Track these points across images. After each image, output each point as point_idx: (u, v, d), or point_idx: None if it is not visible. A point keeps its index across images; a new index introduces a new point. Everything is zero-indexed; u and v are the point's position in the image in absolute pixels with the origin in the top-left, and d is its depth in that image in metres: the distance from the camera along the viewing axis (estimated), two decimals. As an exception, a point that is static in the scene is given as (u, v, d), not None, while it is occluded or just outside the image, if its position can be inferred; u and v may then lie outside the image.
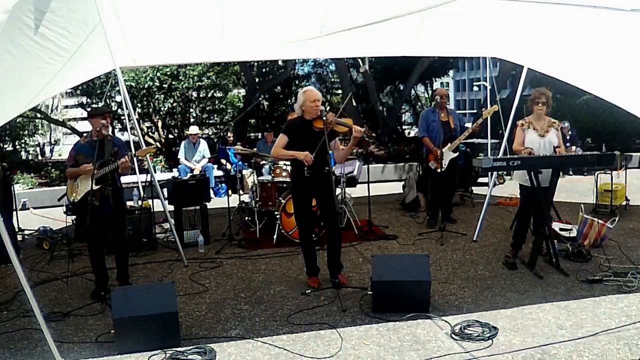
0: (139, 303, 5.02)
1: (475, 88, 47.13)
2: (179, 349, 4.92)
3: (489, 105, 12.08)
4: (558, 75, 7.26)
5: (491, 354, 4.68)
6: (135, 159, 7.30)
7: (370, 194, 9.07)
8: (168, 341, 4.98)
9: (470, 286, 6.38)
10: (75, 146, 6.41)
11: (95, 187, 6.11)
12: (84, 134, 6.56)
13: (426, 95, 24.89)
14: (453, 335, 5.05)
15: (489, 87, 12.22)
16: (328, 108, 6.21)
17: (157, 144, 18.26)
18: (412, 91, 21.85)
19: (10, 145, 19.93)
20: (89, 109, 7.41)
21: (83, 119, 21.56)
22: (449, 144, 8.87)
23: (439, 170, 8.82)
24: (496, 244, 8.02)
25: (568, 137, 14.75)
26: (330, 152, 6.32)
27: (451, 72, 28.07)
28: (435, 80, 24.54)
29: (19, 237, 9.28)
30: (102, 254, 6.48)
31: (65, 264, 7.86)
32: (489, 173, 10.24)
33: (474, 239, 8.28)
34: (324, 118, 6.12)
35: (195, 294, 6.46)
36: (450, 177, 9.11)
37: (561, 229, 7.97)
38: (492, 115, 9.15)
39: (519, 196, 7.27)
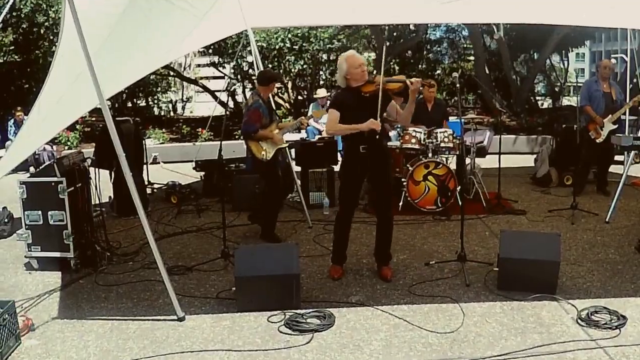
0: (262, 263, 5.06)
1: (613, 60, 44.36)
2: (298, 311, 4.91)
3: (628, 79, 11.34)
4: None
5: (618, 345, 4.31)
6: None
7: (501, 166, 8.72)
8: (287, 303, 4.99)
9: (600, 270, 5.95)
10: (261, 108, 6.72)
11: (284, 145, 7.06)
12: (253, 96, 6.87)
13: (562, 66, 23.63)
14: (579, 321, 4.71)
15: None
16: (459, 73, 5.90)
17: (287, 104, 18.48)
18: (547, 61, 20.81)
19: (144, 101, 20.89)
20: (264, 73, 7.39)
21: (215, 78, 22.18)
22: (610, 115, 8.75)
23: (598, 140, 8.88)
24: (629, 227, 7.45)
25: None
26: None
27: (588, 43, 26.33)
28: (571, 51, 23.25)
29: (148, 190, 9.68)
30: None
31: (192, 218, 8.12)
32: (626, 152, 9.56)
33: (607, 220, 7.73)
34: (374, 80, 5.51)
35: (318, 256, 6.47)
36: (608, 148, 9.03)
37: None
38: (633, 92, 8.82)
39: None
